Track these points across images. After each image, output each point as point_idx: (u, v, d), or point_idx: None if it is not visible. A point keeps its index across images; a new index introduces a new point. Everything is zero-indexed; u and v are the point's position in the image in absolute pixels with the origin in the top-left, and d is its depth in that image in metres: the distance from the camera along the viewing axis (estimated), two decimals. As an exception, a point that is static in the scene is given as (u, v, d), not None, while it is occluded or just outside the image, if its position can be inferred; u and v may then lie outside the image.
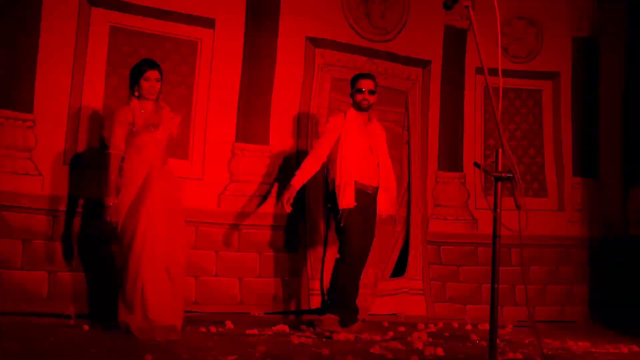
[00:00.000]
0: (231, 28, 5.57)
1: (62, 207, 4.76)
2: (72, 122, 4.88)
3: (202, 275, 5.20)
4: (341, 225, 4.77)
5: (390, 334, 4.74)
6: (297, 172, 4.87)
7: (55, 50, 4.82)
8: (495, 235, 2.59)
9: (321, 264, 5.73)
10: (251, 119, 5.63)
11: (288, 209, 4.74)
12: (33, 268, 4.62)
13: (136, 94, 4.22)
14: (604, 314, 6.53)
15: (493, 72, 4.18)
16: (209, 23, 5.46)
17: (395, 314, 5.89)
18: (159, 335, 3.94)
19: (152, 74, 4.21)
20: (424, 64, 6.49)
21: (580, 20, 6.83)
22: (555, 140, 6.77)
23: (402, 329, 5.15)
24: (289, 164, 5.74)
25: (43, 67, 4.77)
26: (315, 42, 5.93)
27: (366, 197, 4.84)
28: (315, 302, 5.64)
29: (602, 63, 6.83)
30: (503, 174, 2.69)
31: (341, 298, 4.77)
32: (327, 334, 4.50)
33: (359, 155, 4.84)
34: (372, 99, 4.89)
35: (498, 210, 2.62)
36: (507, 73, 6.76)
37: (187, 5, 5.37)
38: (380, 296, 5.95)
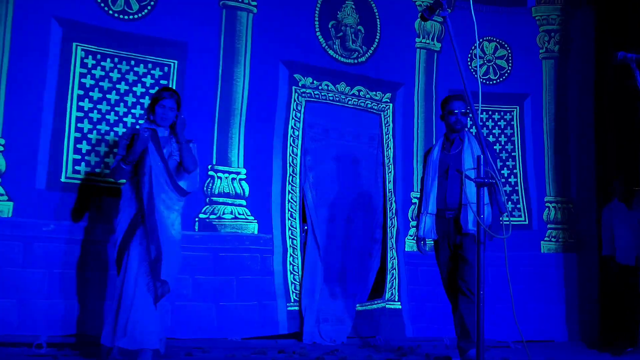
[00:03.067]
0: (204, 51, 5.55)
1: (34, 233, 4.65)
2: (43, 146, 4.79)
3: (178, 300, 5.09)
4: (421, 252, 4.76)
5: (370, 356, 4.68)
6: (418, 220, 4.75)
7: (24, 73, 4.74)
8: (479, 242, 2.57)
9: (300, 287, 5.67)
10: (227, 142, 5.59)
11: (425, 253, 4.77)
12: (2, 297, 4.48)
13: (150, 119, 4.25)
14: (581, 332, 6.55)
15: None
16: (181, 46, 5.43)
17: (374, 337, 5.84)
18: (143, 358, 3.87)
19: (168, 102, 4.23)
20: (397, 86, 6.54)
21: (549, 42, 6.96)
22: (528, 160, 6.84)
23: (381, 351, 5.10)
24: (266, 186, 5.71)
25: (12, 90, 4.68)
26: (289, 65, 5.94)
27: (446, 223, 4.61)
28: (294, 325, 5.56)
29: (570, 84, 6.95)
30: (485, 180, 2.68)
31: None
32: None
33: (438, 182, 4.60)
34: (464, 119, 4.66)
35: (481, 216, 2.61)
36: (477, 95, 6.92)
37: (159, 28, 5.34)
38: (359, 318, 5.89)
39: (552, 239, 6.78)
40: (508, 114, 6.94)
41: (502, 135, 6.88)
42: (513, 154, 6.87)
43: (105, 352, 3.94)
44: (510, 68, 6.97)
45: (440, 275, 4.81)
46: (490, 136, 6.87)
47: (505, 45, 6.99)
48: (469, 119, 4.74)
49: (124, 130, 5.11)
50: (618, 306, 6.53)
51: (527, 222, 6.77)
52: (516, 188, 6.81)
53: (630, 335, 5.81)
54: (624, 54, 3.16)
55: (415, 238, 4.80)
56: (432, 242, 4.75)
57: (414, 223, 6.43)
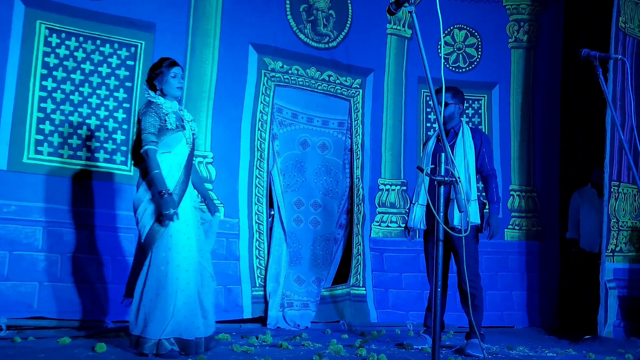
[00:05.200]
0: (172, 33, 5.47)
1: (-7, 214, 4.59)
2: (4, 125, 4.68)
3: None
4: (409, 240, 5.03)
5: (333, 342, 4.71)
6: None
7: (-14, 51, 4.65)
8: (438, 239, 2.59)
9: (265, 271, 5.68)
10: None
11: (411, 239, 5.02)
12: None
13: (161, 92, 4.00)
14: (542, 319, 6.68)
15: (435, 81, 4.24)
16: (149, 26, 5.34)
17: (338, 322, 5.88)
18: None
19: (179, 70, 4.04)
20: (367, 72, 6.53)
21: (519, 32, 7.00)
22: (494, 148, 6.90)
23: (344, 336, 5.15)
24: (233, 170, 5.69)
25: (-27, 69, 4.59)
26: (259, 48, 5.89)
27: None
28: (258, 310, 5.57)
29: (538, 74, 7.01)
30: (445, 178, 2.70)
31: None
32: None
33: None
34: (446, 111, 4.72)
35: (440, 213, 2.63)
36: (448, 82, 6.93)
37: (126, 8, 5.24)
38: (323, 303, 5.92)
39: (516, 227, 6.87)
40: (476, 102, 6.98)
41: (470, 123, 6.93)
42: (480, 142, 6.91)
43: (194, 346, 3.79)
44: (479, 56, 7.00)
45: (426, 265, 4.93)
46: (458, 124, 6.90)
47: (476, 34, 7.01)
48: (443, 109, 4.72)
49: (89, 111, 5.04)
50: (578, 294, 6.67)
51: (492, 210, 6.84)
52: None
53: (588, 323, 5.93)
54: (587, 51, 3.22)
55: (404, 226, 5.01)
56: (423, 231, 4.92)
57: (380, 209, 6.48)
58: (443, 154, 2.71)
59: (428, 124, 6.80)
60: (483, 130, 6.82)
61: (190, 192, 4.02)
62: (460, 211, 2.69)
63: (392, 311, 6.25)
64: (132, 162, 4.15)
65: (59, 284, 4.72)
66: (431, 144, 4.85)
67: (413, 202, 4.81)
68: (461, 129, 4.75)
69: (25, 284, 4.62)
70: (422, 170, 2.71)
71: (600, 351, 4.94)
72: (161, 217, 3.77)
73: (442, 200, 2.69)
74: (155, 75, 4.01)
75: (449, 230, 2.75)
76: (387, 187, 6.52)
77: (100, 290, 4.87)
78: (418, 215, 4.74)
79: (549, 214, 6.96)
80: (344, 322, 5.83)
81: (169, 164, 3.90)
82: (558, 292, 6.84)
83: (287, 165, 5.98)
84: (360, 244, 6.24)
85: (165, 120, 3.91)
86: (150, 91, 4.01)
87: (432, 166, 2.72)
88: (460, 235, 2.89)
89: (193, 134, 4.11)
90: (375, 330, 5.49)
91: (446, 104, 4.71)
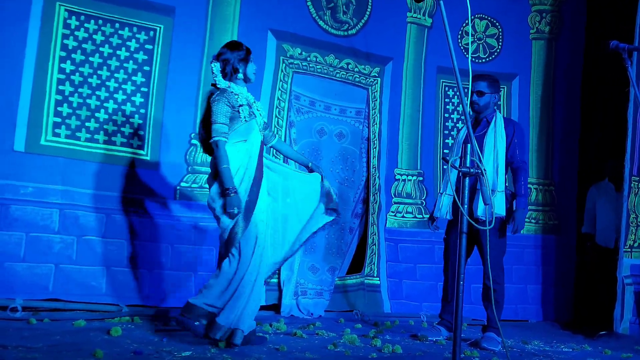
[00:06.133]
0: (191, 17, 5.42)
1: (12, 195, 4.58)
2: (22, 107, 4.68)
3: (157, 268, 5.06)
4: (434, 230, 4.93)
5: (347, 331, 4.69)
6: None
7: (5, 32, 4.61)
8: (461, 231, 2.55)
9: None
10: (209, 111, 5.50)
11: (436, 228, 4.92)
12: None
13: (243, 76, 3.95)
14: (556, 313, 6.63)
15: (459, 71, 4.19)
16: (168, 10, 5.31)
17: (351, 311, 5.86)
18: None
19: (251, 56, 3.99)
20: (386, 60, 6.47)
21: (540, 22, 6.90)
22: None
23: (358, 326, 5.13)
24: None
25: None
26: (278, 34, 5.84)
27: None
28: (272, 297, 5.56)
29: (559, 66, 6.92)
30: (471, 170, 2.65)
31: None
32: None
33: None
34: (481, 100, 4.61)
35: (464, 205, 2.58)
36: (467, 73, 6.87)
37: (146, -9, 5.23)
38: (337, 292, 5.91)
39: (532, 221, 6.80)
40: (495, 93, 6.89)
41: (489, 115, 6.85)
42: (498, 134, 6.84)
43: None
44: (500, 47, 6.91)
45: (444, 256, 4.87)
46: (477, 115, 6.83)
47: (497, 24, 6.92)
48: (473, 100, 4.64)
49: (107, 94, 5.03)
50: (594, 289, 6.62)
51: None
52: (499, 168, 6.80)
53: (603, 318, 5.88)
54: (616, 43, 3.15)
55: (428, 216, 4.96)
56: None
57: (396, 199, 6.44)
58: (469, 145, 2.66)
59: (446, 115, 6.73)
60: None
61: (265, 179, 3.96)
62: (485, 204, 2.65)
63: (405, 302, 6.22)
64: (202, 148, 4.09)
65: (74, 267, 4.74)
66: (463, 132, 4.75)
67: (441, 191, 4.73)
68: (494, 118, 4.64)
69: (41, 265, 4.64)
70: (447, 161, 2.66)
71: (616, 347, 4.89)
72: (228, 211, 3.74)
73: (467, 191, 2.64)
74: (240, 59, 3.93)
75: (473, 222, 2.70)
76: (404, 177, 6.47)
77: (115, 274, 4.87)
78: (445, 205, 4.64)
79: (566, 208, 6.89)
80: (357, 311, 5.81)
81: (246, 153, 3.84)
82: (573, 286, 6.79)
83: (303, 153, 5.94)
84: (375, 234, 6.21)
85: (239, 112, 3.84)
86: (219, 75, 3.92)
87: (458, 157, 2.67)
88: (484, 228, 2.84)
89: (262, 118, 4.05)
90: (388, 320, 5.48)
91: (482, 93, 4.62)
